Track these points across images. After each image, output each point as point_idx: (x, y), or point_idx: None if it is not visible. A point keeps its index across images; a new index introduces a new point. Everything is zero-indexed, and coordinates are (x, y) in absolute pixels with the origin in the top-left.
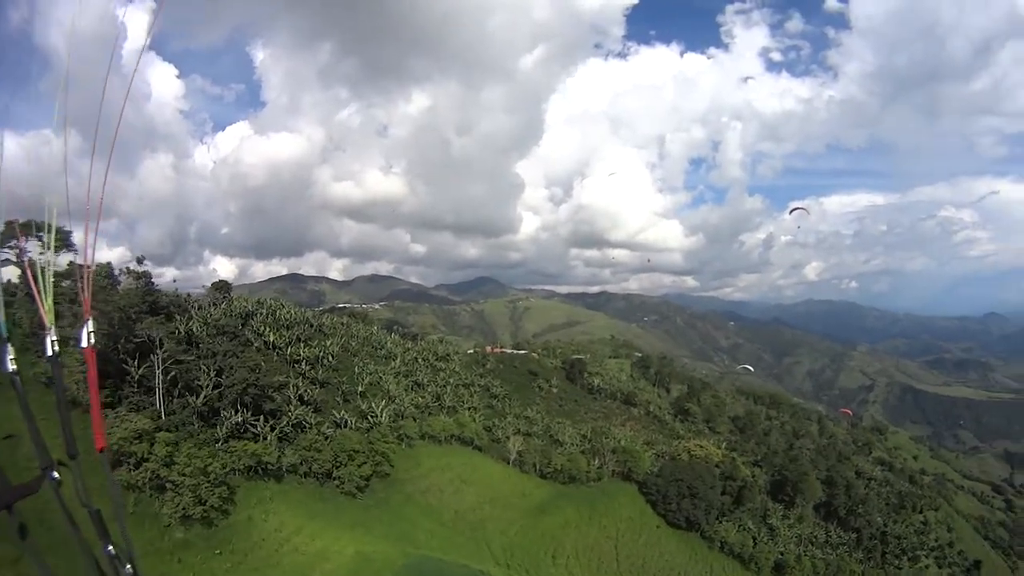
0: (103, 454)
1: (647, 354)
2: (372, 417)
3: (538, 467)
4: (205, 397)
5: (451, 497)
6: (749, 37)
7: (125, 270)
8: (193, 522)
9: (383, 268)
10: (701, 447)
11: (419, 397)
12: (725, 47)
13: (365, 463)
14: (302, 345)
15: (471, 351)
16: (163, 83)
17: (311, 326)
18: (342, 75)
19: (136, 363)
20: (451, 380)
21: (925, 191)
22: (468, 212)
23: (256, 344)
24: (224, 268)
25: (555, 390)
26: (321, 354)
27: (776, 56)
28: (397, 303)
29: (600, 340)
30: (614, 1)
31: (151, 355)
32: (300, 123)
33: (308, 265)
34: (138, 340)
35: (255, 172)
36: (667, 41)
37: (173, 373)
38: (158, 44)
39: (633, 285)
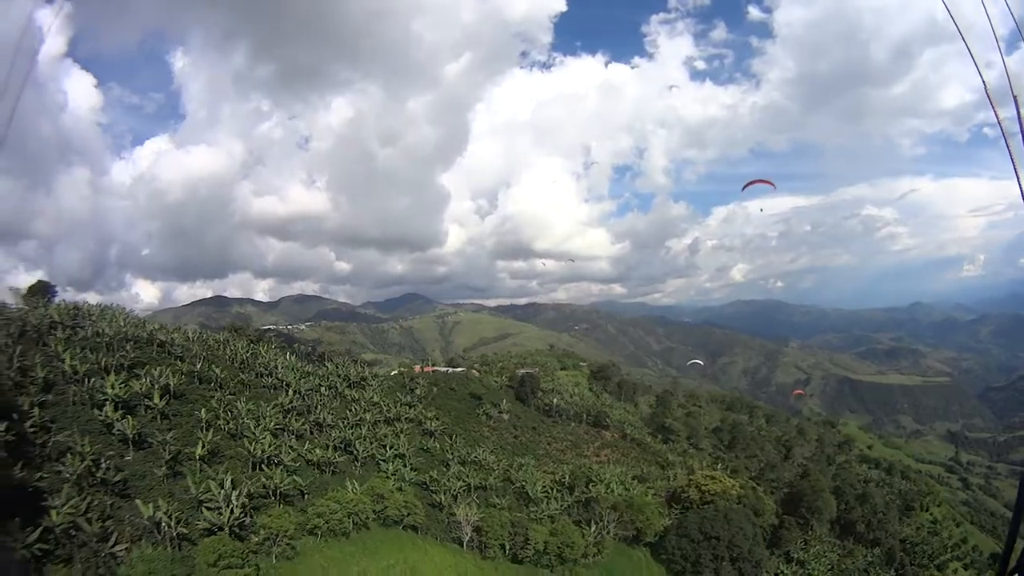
0: None
1: (605, 363)
2: (212, 507)
3: (508, 548)
4: None
5: None
6: (673, 47)
7: None
8: None
9: (309, 288)
10: (713, 479)
11: (315, 449)
12: (650, 56)
13: None
14: (112, 376)
15: (395, 371)
16: (81, 92)
17: (152, 344)
18: (261, 82)
19: None
20: (367, 416)
21: (848, 191)
22: (393, 226)
23: (41, 375)
24: (147, 292)
25: (506, 416)
26: (145, 390)
27: (700, 65)
28: (324, 323)
29: (538, 351)
30: (541, 9)
31: None
32: (220, 136)
33: (233, 287)
34: None
35: (175, 189)
36: (592, 51)
37: None
38: (76, 50)
39: (561, 295)
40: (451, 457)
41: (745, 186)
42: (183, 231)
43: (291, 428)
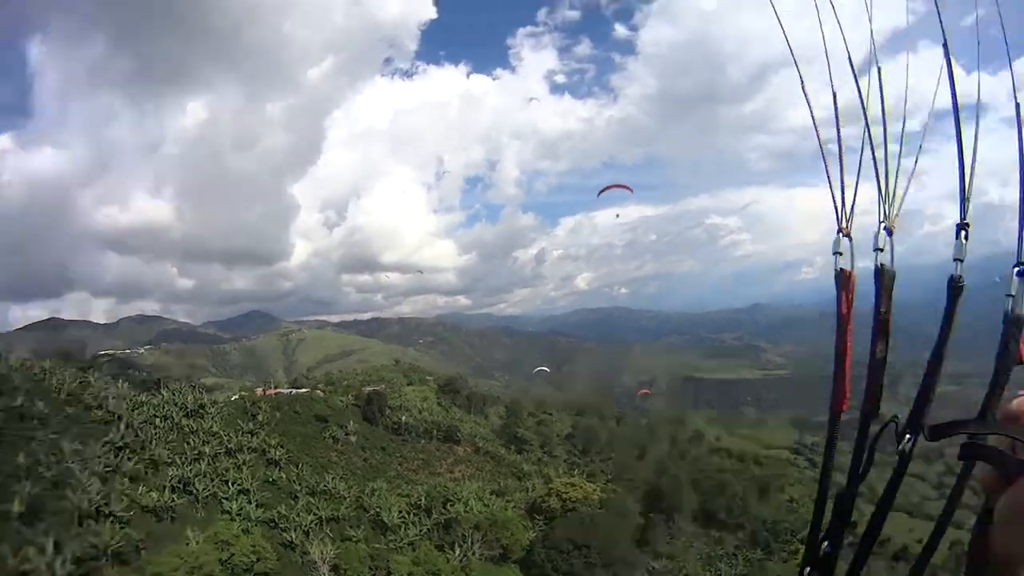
0: None
1: (452, 376)
2: None
3: None
4: None
5: None
6: (537, 60)
7: None
8: None
9: (150, 307)
10: (573, 486)
11: (151, 492)
12: (512, 69)
13: None
14: None
15: (235, 397)
16: None
17: None
18: (116, 79)
19: None
20: (207, 448)
21: (695, 201)
22: (238, 239)
23: None
24: None
25: (354, 438)
26: None
27: (560, 79)
28: (164, 345)
29: (383, 367)
30: (412, 15)
31: None
32: (67, 137)
33: (70, 307)
34: None
35: (14, 196)
36: (456, 61)
37: None
38: None
39: (406, 308)
40: (299, 488)
41: (601, 191)
42: (18, 245)
43: (123, 469)
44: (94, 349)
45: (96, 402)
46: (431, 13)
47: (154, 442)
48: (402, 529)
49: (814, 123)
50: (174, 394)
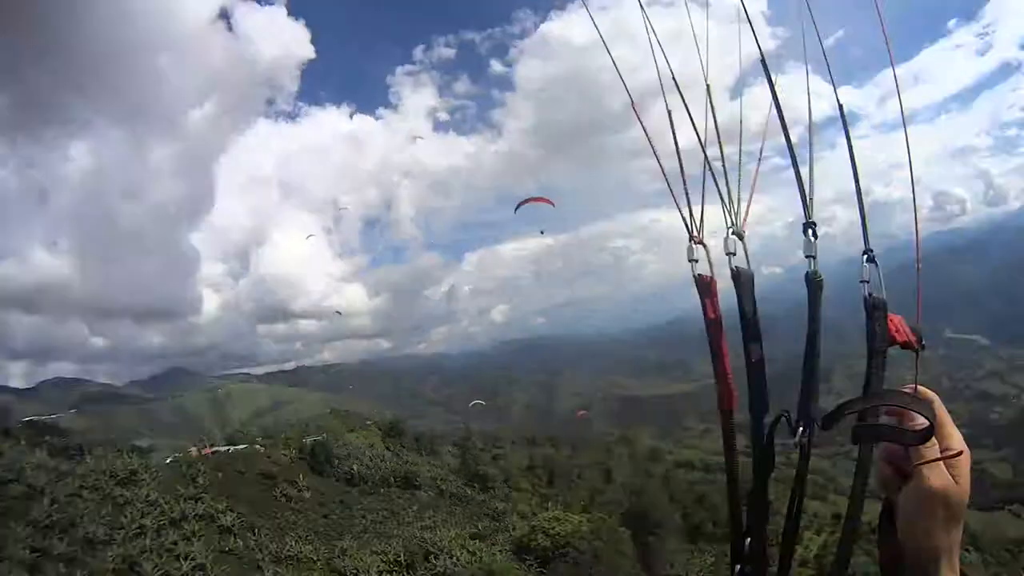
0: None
1: (393, 419)
2: None
3: None
4: None
5: None
6: (418, 98)
7: None
8: None
9: (67, 369)
10: (559, 520)
11: None
12: (394, 108)
13: None
14: None
15: (170, 460)
16: None
17: None
18: None
19: None
20: (148, 520)
21: (594, 227)
22: (142, 293)
23: None
24: None
25: (308, 494)
26: None
27: (443, 116)
28: (89, 408)
29: (319, 416)
30: (291, 55)
31: None
32: None
33: None
34: None
35: None
36: (337, 102)
37: None
38: None
39: (327, 355)
40: (261, 556)
41: (519, 205)
42: None
43: (54, 552)
44: (16, 416)
45: (12, 475)
46: (309, 52)
47: (85, 517)
48: None
49: (702, 143)
50: (101, 461)
